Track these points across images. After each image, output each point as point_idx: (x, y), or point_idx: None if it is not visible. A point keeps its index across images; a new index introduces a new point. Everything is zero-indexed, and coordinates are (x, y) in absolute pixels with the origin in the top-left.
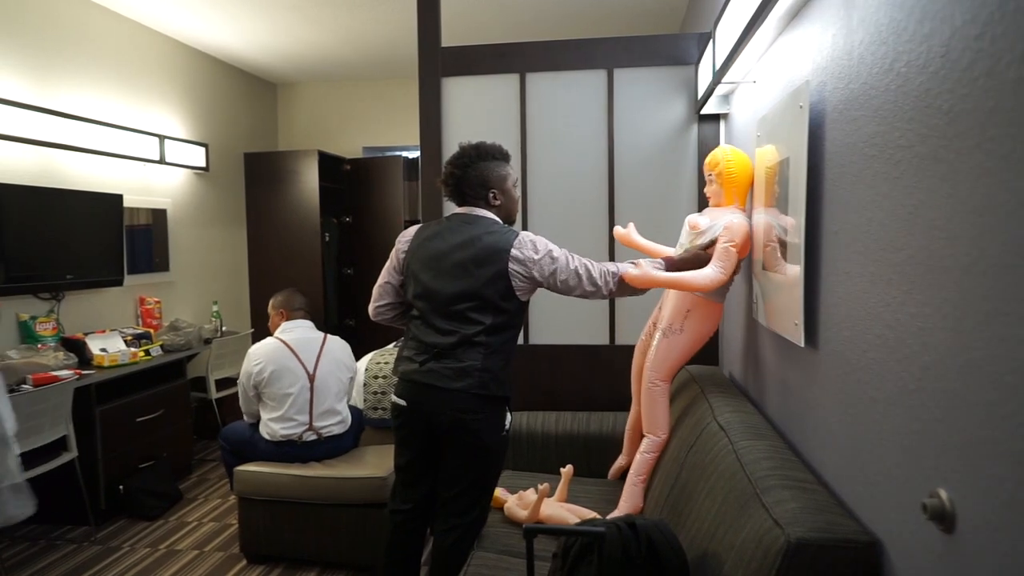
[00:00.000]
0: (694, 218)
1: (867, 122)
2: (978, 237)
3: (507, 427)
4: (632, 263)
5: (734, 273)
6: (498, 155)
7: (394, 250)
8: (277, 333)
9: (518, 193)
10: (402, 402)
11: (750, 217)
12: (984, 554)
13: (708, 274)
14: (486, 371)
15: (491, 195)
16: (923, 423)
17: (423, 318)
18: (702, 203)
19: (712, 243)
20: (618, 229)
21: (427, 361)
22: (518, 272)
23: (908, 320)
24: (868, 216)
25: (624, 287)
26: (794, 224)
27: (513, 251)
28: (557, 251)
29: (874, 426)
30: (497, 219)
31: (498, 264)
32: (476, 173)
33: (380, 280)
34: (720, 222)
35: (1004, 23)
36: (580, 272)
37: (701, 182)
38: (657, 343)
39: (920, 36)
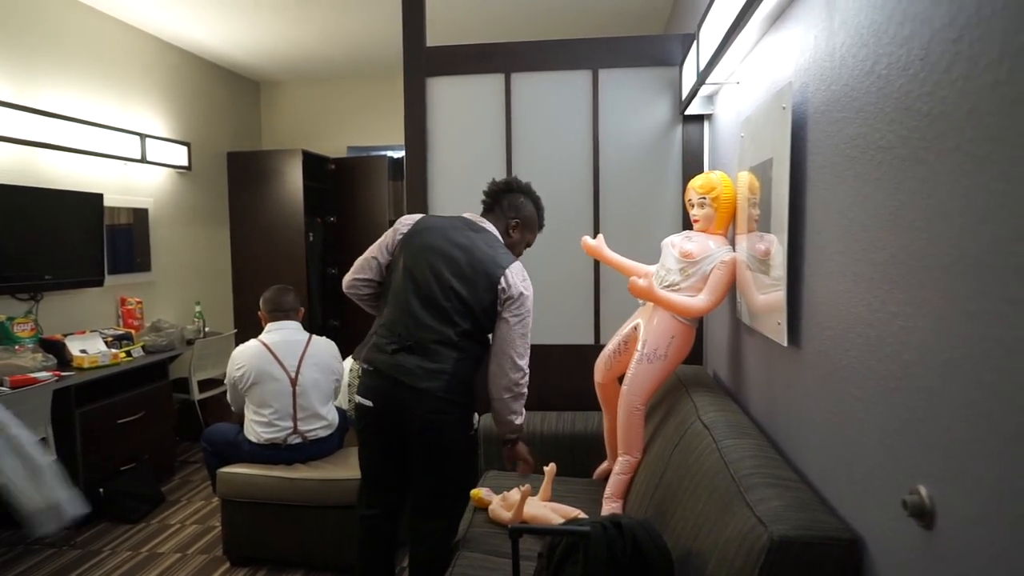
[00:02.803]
0: (683, 244)
1: (849, 123)
2: (958, 237)
3: (475, 427)
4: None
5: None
6: (542, 216)
7: (392, 229)
8: (262, 335)
9: (525, 248)
10: (368, 403)
11: (733, 237)
12: (963, 550)
13: (701, 303)
14: (455, 376)
15: (513, 223)
16: (904, 421)
17: (404, 306)
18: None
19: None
20: (587, 240)
21: (398, 351)
22: (502, 290)
23: (889, 319)
24: (850, 216)
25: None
26: (777, 223)
27: (507, 270)
28: (530, 318)
29: (856, 424)
30: (501, 239)
31: (492, 276)
32: (522, 202)
33: (367, 254)
34: (715, 255)
35: (981, 27)
36: (527, 351)
37: (686, 183)
38: (638, 368)
39: (900, 39)
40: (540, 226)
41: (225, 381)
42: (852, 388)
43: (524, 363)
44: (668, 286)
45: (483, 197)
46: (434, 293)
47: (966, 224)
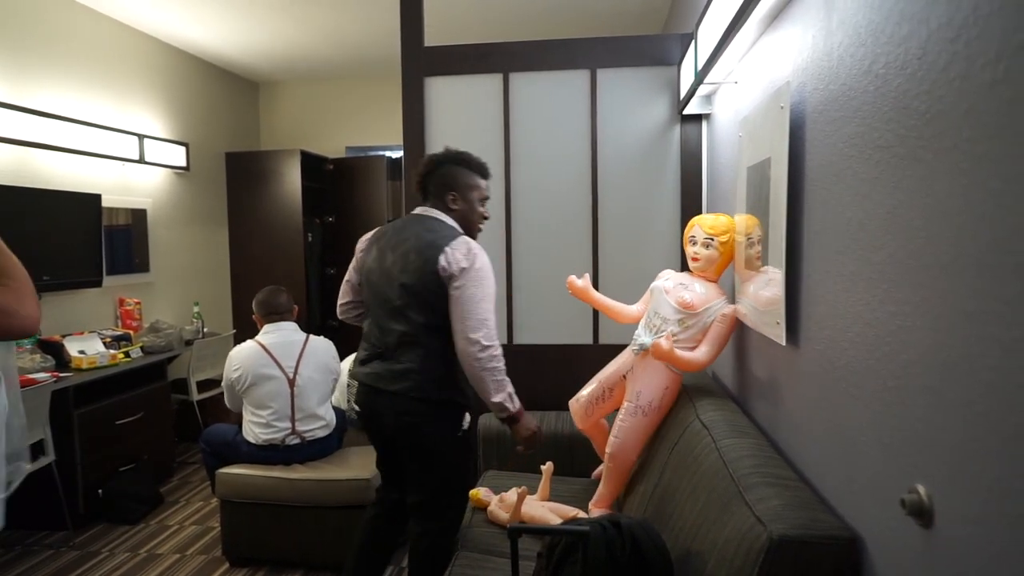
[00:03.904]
0: (681, 294)
1: (847, 123)
2: (955, 237)
3: (462, 429)
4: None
5: None
6: (474, 167)
7: (356, 248)
8: (258, 336)
9: (483, 209)
10: (356, 407)
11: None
12: (962, 549)
13: (704, 358)
14: (424, 373)
15: (450, 196)
16: (902, 420)
17: (372, 317)
18: (684, 207)
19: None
20: (573, 280)
21: (371, 360)
22: (443, 268)
23: (888, 319)
24: (848, 216)
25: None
26: (776, 223)
27: (446, 248)
28: (487, 290)
29: (855, 423)
30: (451, 223)
31: (431, 259)
32: (445, 172)
33: (345, 277)
34: (716, 307)
35: (979, 26)
36: (483, 323)
37: (684, 183)
38: (633, 421)
39: (898, 38)
40: (484, 176)
41: (222, 383)
42: (851, 387)
43: (479, 336)
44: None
45: (416, 191)
46: (390, 296)
47: (964, 223)
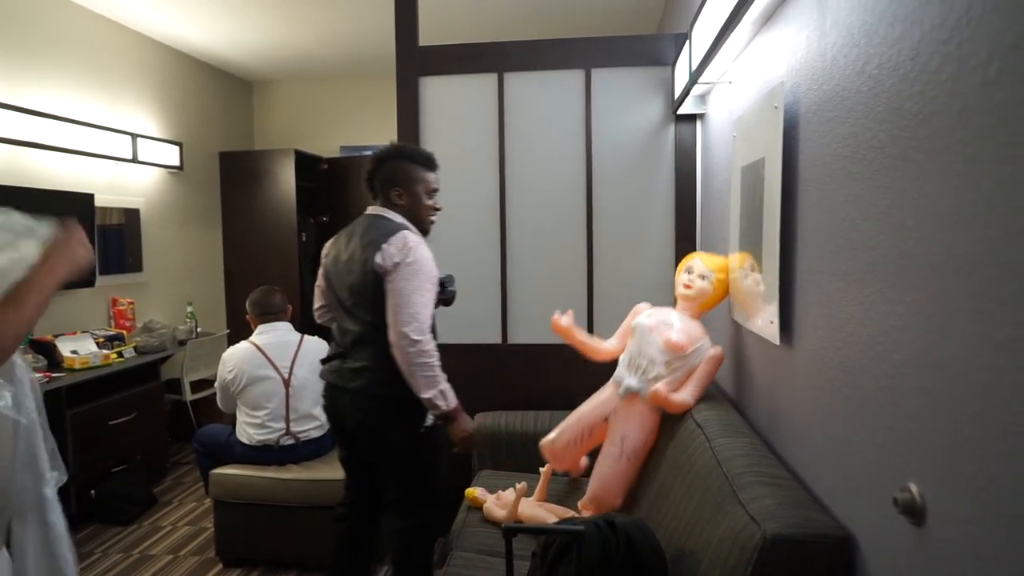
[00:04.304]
0: (668, 334)
1: (840, 123)
2: (947, 237)
3: (425, 426)
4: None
5: None
6: (418, 159)
7: (322, 252)
8: (252, 336)
9: (432, 202)
10: (323, 402)
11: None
12: (953, 547)
13: (691, 399)
14: (377, 371)
15: (395, 192)
16: (895, 420)
17: (335, 318)
18: (679, 209)
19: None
20: (556, 319)
21: (332, 359)
22: (379, 266)
23: (880, 319)
24: (841, 216)
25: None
26: (770, 222)
27: (384, 245)
28: (419, 284)
29: (848, 423)
30: (398, 220)
31: (370, 258)
32: (388, 168)
33: (316, 282)
34: (703, 348)
35: (971, 27)
36: (413, 317)
37: (679, 182)
38: (617, 466)
39: (891, 39)
40: (430, 168)
41: (215, 384)
42: (844, 387)
43: (408, 330)
44: (653, 378)
45: (366, 189)
46: (342, 297)
47: (956, 224)
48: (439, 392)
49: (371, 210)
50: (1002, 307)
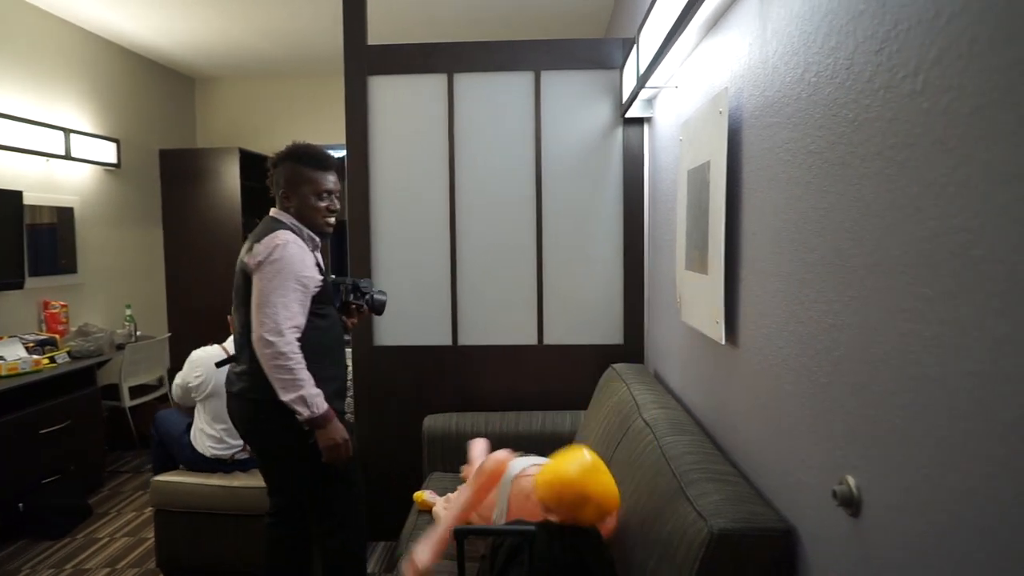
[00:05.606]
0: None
1: (781, 128)
2: (881, 238)
3: (296, 428)
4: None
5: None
6: (307, 160)
7: None
8: (227, 342)
9: (324, 203)
10: None
11: None
12: (886, 535)
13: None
14: (254, 375)
15: (282, 195)
16: (834, 414)
17: None
18: (627, 210)
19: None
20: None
21: (225, 363)
22: (247, 265)
23: (820, 317)
24: (784, 218)
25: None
26: (715, 225)
27: (255, 246)
28: (278, 284)
29: (790, 418)
30: (289, 221)
31: (243, 261)
32: (279, 171)
33: None
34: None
35: (899, 40)
36: (269, 318)
37: (627, 185)
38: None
39: (827, 48)
40: (321, 167)
41: (176, 382)
42: (786, 384)
43: (263, 331)
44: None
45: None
46: (232, 305)
47: (888, 226)
48: (299, 397)
49: (271, 212)
50: (930, 304)
